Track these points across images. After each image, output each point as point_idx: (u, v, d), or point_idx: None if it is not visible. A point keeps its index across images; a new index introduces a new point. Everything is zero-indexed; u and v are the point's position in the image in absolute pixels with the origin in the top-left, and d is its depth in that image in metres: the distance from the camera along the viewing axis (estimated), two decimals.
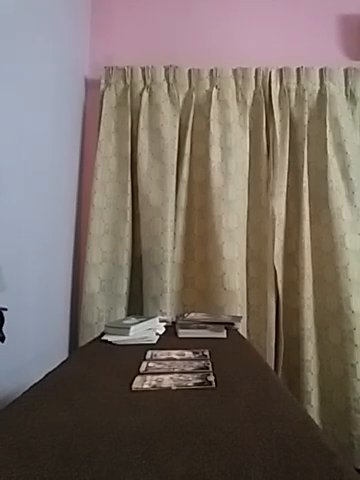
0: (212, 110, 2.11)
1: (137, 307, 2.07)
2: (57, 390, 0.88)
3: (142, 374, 0.98)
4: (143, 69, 2.18)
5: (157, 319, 1.63)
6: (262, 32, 2.30)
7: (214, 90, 2.14)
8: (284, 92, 2.16)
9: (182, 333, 1.51)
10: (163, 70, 2.18)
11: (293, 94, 2.17)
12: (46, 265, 1.70)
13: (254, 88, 2.18)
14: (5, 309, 1.02)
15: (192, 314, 1.78)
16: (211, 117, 2.10)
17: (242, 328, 1.87)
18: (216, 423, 0.69)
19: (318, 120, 2.13)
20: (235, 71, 2.18)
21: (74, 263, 2.08)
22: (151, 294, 1.99)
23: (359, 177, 2.07)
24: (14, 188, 1.41)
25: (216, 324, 1.58)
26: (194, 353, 1.19)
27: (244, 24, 2.32)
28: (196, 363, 1.07)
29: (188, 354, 1.18)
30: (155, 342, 1.38)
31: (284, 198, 2.11)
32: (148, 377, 0.95)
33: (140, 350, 1.23)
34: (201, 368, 1.02)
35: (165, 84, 2.17)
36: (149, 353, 1.20)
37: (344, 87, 2.16)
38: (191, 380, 0.92)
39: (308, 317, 1.97)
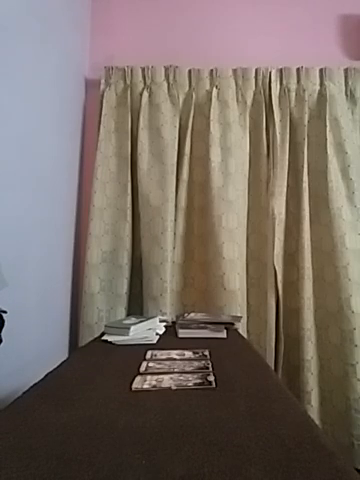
0: (212, 110, 2.11)
1: (137, 307, 2.07)
2: (57, 390, 0.88)
3: (142, 374, 0.98)
4: (143, 69, 2.18)
5: (157, 319, 1.64)
6: (262, 32, 2.30)
7: (214, 90, 2.14)
8: (284, 92, 2.16)
9: (182, 333, 1.51)
10: (163, 70, 2.18)
11: (293, 94, 2.17)
12: (46, 265, 1.70)
13: (254, 88, 2.18)
14: (5, 312, 1.01)
15: (192, 314, 1.78)
16: (211, 117, 2.10)
17: (242, 328, 1.87)
18: (216, 423, 0.69)
19: (318, 120, 2.13)
20: (235, 71, 2.18)
21: (74, 263, 2.08)
22: (151, 294, 1.99)
23: (359, 177, 2.07)
24: (14, 188, 1.41)
25: (216, 324, 1.58)
26: (194, 353, 1.19)
27: (244, 24, 2.32)
28: (196, 363, 1.07)
29: (188, 354, 1.18)
30: (155, 342, 1.38)
31: (284, 198, 2.11)
32: (148, 377, 0.95)
33: (140, 350, 1.23)
34: (201, 368, 1.02)
35: (165, 84, 2.17)
36: (149, 353, 1.20)
37: (344, 87, 2.16)
38: (191, 380, 0.92)
39: (308, 317, 1.97)
